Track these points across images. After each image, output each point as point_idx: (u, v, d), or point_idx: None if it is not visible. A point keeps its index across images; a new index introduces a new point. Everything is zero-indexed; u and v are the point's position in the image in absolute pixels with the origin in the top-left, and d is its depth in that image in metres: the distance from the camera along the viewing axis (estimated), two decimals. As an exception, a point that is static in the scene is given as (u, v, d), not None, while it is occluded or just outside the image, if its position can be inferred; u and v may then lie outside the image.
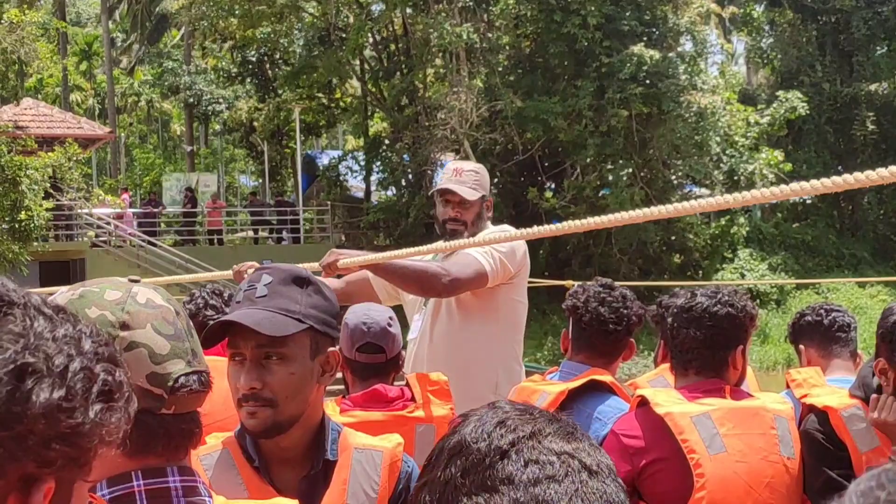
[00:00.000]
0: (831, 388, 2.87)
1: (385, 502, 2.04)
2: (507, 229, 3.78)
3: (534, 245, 25.84)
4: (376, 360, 2.79)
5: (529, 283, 4.04)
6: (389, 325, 2.82)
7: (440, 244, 3.44)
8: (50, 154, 19.07)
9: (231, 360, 1.96)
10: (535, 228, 3.20)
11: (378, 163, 28.74)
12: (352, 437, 2.08)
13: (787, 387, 2.99)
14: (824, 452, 2.58)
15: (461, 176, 3.84)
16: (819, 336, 3.57)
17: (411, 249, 3.51)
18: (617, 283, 3.20)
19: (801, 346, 3.65)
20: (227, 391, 1.98)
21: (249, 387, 1.90)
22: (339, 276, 3.79)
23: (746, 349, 2.76)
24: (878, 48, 29.70)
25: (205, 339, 1.80)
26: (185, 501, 1.41)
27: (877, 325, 2.61)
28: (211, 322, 2.74)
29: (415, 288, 3.65)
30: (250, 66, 30.46)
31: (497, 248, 3.61)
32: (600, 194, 25.40)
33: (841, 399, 2.65)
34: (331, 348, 2.02)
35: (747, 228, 27.65)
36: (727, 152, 25.90)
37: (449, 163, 4.19)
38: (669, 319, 2.72)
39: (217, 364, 1.96)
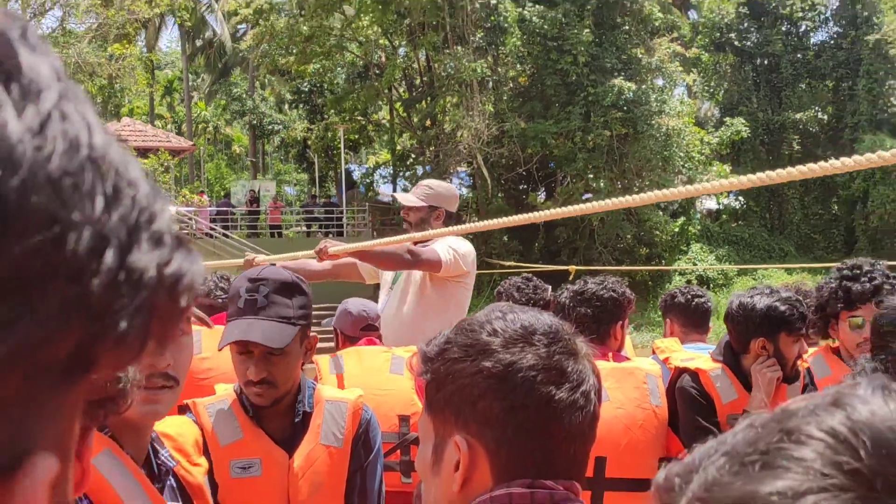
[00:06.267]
0: (689, 353, 2.90)
1: (349, 441, 2.05)
2: (458, 243, 3.80)
3: (531, 238, 25.23)
4: (373, 335, 3.20)
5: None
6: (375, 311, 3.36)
7: (405, 236, 3.50)
8: (146, 161, 17.98)
9: (238, 353, 1.94)
10: (488, 222, 3.20)
11: (405, 172, 27.64)
12: (323, 392, 2.08)
13: (654, 353, 3.06)
14: (696, 404, 2.59)
15: (417, 189, 3.79)
16: (683, 315, 3.60)
17: (382, 240, 3.61)
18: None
19: (668, 319, 3.66)
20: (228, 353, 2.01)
21: (259, 378, 1.92)
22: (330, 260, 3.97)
23: (625, 324, 2.86)
24: (801, 84, 28.83)
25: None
26: None
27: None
28: (220, 301, 3.36)
29: (390, 264, 3.66)
30: (302, 95, 29.29)
31: (456, 249, 3.63)
32: (584, 198, 24.39)
33: (708, 363, 2.65)
34: (311, 332, 2.02)
35: (698, 227, 26.85)
36: (686, 165, 24.89)
37: None
38: (566, 300, 2.79)
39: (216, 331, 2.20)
